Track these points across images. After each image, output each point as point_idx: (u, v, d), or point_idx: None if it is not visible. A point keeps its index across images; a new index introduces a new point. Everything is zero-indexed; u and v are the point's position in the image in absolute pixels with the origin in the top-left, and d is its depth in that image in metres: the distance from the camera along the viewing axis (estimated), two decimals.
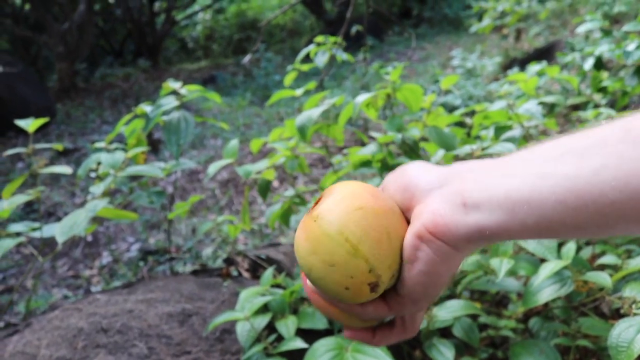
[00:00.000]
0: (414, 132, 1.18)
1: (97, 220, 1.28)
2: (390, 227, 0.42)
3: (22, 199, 1.32)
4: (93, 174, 1.43)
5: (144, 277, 2.44)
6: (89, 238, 3.01)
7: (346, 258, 0.41)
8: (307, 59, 1.99)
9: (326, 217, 0.42)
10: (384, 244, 0.42)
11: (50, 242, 1.36)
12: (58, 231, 1.15)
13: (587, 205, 0.34)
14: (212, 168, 1.25)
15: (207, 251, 2.43)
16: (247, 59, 1.78)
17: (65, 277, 2.64)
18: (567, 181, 0.35)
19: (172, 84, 1.43)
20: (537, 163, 0.37)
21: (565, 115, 3.50)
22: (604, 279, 0.90)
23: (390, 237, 0.42)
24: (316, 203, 0.44)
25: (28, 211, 3.25)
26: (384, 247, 0.42)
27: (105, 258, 2.81)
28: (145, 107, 1.42)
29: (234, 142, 1.30)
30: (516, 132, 1.16)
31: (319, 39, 1.95)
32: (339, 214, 0.42)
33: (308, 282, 0.46)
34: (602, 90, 2.11)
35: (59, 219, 3.24)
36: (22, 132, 4.83)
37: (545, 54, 4.44)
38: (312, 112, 1.24)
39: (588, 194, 0.34)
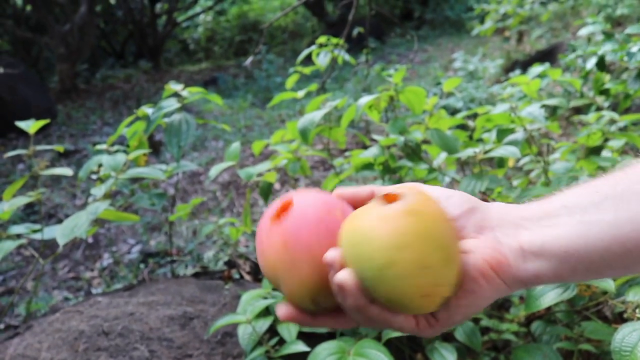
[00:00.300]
0: (417, 134, 1.18)
1: (98, 222, 1.28)
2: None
3: (22, 200, 1.31)
4: (94, 176, 1.43)
5: (144, 279, 2.44)
6: (90, 240, 3.01)
7: (442, 264, 0.38)
8: (309, 61, 1.98)
9: (428, 215, 0.39)
10: (461, 262, 0.41)
11: (50, 244, 1.36)
12: (59, 233, 1.15)
13: (630, 251, 0.37)
14: (214, 170, 1.24)
15: (208, 254, 2.42)
16: (249, 61, 1.77)
17: (65, 279, 2.64)
18: (610, 229, 0.38)
19: (174, 86, 1.42)
20: (580, 210, 0.40)
21: (567, 118, 3.50)
22: (607, 283, 0.89)
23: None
24: (388, 198, 0.40)
25: (29, 212, 3.25)
26: (461, 265, 0.41)
27: (106, 260, 2.81)
28: (147, 109, 1.42)
29: (235, 145, 1.30)
30: (519, 135, 1.15)
31: (322, 40, 1.94)
32: (439, 218, 0.39)
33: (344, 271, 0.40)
34: (604, 92, 2.10)
35: (59, 221, 3.24)
36: (23, 133, 4.83)
37: (547, 56, 4.44)
38: (314, 115, 1.23)
39: (631, 241, 0.37)
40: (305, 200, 0.45)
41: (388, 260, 0.37)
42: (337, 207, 0.46)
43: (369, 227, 0.39)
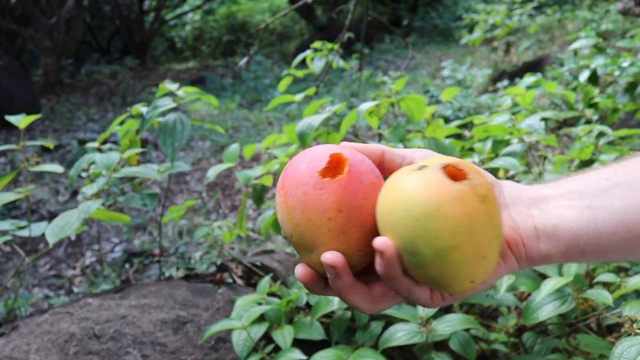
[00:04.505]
0: (417, 143, 1.17)
1: (86, 221, 1.25)
2: None
3: (10, 197, 1.28)
4: (83, 174, 1.40)
5: (129, 279, 2.40)
6: (73, 237, 2.95)
7: (496, 254, 0.38)
8: (300, 63, 1.97)
9: (494, 203, 0.37)
10: None
11: (32, 240, 1.33)
12: (49, 232, 1.12)
13: (637, 237, 0.40)
14: (212, 172, 1.23)
15: (195, 255, 2.39)
16: (243, 61, 1.76)
17: (47, 277, 2.59)
18: (618, 215, 0.40)
19: (169, 85, 1.40)
20: (590, 196, 0.42)
21: (553, 130, 3.54)
22: (605, 296, 0.90)
23: None
24: (450, 172, 0.37)
25: (10, 207, 3.18)
26: None
27: (89, 258, 2.76)
28: (141, 108, 1.40)
29: (234, 146, 1.28)
30: (517, 147, 1.16)
31: (317, 44, 1.94)
32: (498, 205, 0.38)
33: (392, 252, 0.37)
34: (593, 106, 2.13)
35: (42, 217, 3.18)
36: (5, 125, 4.73)
37: (534, 67, 4.49)
38: (313, 119, 1.22)
39: (638, 227, 0.39)
40: (356, 160, 0.42)
41: (454, 243, 0.35)
42: (376, 169, 0.44)
43: (437, 204, 0.35)
